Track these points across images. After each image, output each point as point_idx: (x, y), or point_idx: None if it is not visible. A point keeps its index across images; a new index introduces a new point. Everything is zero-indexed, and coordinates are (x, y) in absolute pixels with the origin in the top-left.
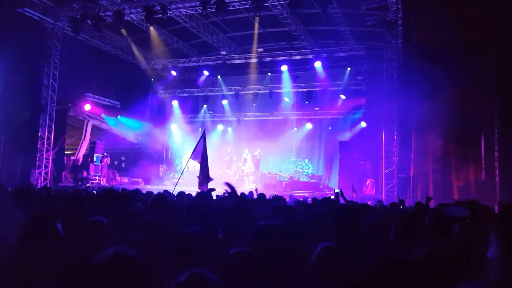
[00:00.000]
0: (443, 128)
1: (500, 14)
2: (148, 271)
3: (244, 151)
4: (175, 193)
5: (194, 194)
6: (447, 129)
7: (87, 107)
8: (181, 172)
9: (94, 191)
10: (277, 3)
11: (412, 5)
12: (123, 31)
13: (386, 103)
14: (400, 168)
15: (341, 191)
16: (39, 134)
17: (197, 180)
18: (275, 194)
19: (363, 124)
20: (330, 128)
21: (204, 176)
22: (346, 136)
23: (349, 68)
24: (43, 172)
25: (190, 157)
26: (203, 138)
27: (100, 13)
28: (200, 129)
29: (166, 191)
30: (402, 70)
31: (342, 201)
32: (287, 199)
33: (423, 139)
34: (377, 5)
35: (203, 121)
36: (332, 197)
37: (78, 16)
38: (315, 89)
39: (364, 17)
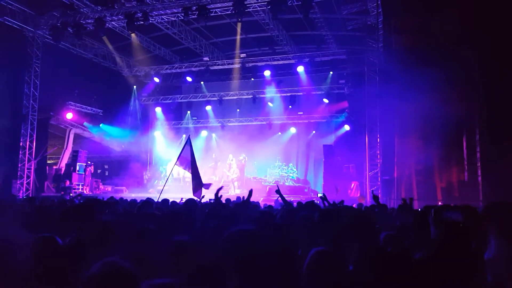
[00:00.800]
0: (425, 130)
1: (480, 18)
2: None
3: (229, 156)
4: (160, 200)
5: (178, 201)
6: (429, 131)
7: (69, 115)
8: (165, 179)
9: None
10: (259, 9)
11: (392, 9)
12: (105, 38)
13: (368, 107)
14: (384, 170)
15: (324, 195)
16: (21, 144)
17: (182, 186)
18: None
19: (347, 127)
20: (314, 132)
21: (197, 183)
22: (330, 139)
23: (331, 72)
24: (25, 182)
25: (175, 164)
26: (188, 144)
27: (81, 21)
28: (184, 136)
29: (149, 199)
30: (383, 73)
31: (325, 204)
32: (273, 204)
33: (406, 141)
34: (358, 9)
35: (187, 128)
36: (317, 201)
37: (58, 24)
38: (298, 94)
39: (345, 21)
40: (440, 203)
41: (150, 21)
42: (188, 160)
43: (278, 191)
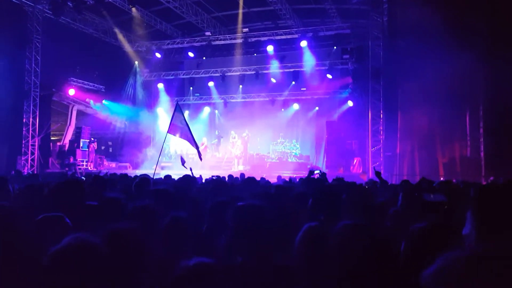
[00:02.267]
0: (429, 106)
1: None
2: (113, 260)
3: (231, 133)
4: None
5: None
6: (432, 106)
7: (71, 91)
8: (168, 156)
9: (83, 177)
10: None
11: None
12: (105, 13)
13: (372, 82)
14: (387, 146)
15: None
16: (24, 121)
17: (186, 163)
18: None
19: (350, 103)
20: (317, 108)
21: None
22: (333, 115)
23: (335, 47)
24: (29, 158)
25: (167, 132)
26: (178, 111)
27: None
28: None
29: (145, 175)
30: (387, 48)
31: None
32: (275, 180)
33: (409, 117)
34: None
35: (190, 104)
36: (317, 173)
37: None
38: (302, 69)
39: None
40: (442, 178)
41: None
42: (180, 127)
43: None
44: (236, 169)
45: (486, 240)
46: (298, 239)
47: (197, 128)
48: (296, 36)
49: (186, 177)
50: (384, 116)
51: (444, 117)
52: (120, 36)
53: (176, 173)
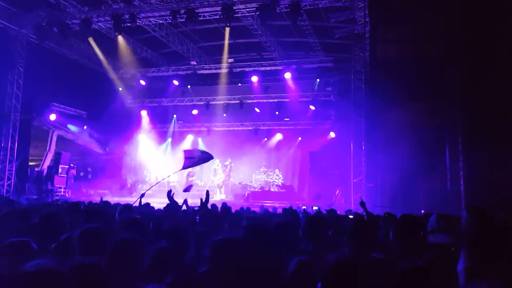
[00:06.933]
0: (409, 139)
1: (464, 29)
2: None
3: (215, 161)
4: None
5: (162, 207)
6: (412, 140)
7: (52, 116)
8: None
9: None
10: (247, 14)
11: (379, 19)
12: (91, 39)
13: (354, 114)
14: (368, 177)
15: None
16: (2, 145)
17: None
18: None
19: (332, 134)
20: (300, 138)
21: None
22: (316, 146)
23: (318, 80)
24: (5, 183)
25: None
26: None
27: (67, 21)
28: (170, 139)
29: (128, 204)
30: (369, 82)
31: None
32: (257, 210)
33: (390, 149)
34: (346, 18)
35: (173, 131)
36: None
37: (44, 24)
38: (285, 100)
39: (333, 29)
40: (422, 211)
41: (138, 23)
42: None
43: (362, 204)
44: (218, 197)
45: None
46: (290, 274)
47: (180, 156)
48: (280, 67)
49: (169, 206)
50: (366, 148)
51: (425, 151)
52: (105, 63)
53: (158, 201)
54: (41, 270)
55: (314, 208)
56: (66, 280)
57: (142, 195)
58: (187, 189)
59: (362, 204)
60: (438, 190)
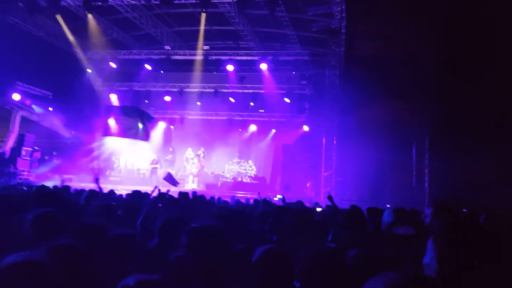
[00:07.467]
0: (379, 136)
1: (440, 29)
2: (56, 276)
3: (187, 150)
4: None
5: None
6: (383, 137)
7: (16, 96)
8: (118, 170)
9: (24, 188)
10: (224, 1)
11: (356, 16)
12: (59, 17)
13: (328, 109)
14: (338, 171)
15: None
16: None
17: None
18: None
19: (306, 128)
20: (274, 130)
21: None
22: (290, 139)
23: (294, 72)
24: None
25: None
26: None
27: None
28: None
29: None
30: (343, 77)
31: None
32: (229, 200)
33: (361, 145)
34: (323, 12)
35: None
36: (276, 198)
37: None
38: (261, 91)
39: (310, 23)
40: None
41: (109, 3)
42: None
43: (330, 198)
44: (190, 186)
45: (449, 271)
46: (255, 262)
47: (151, 143)
48: (256, 58)
49: (135, 192)
50: (338, 143)
51: (393, 148)
52: (73, 42)
53: (125, 188)
54: (19, 264)
55: (278, 196)
56: (46, 268)
57: (97, 180)
58: (167, 178)
59: (330, 198)
60: (404, 186)
